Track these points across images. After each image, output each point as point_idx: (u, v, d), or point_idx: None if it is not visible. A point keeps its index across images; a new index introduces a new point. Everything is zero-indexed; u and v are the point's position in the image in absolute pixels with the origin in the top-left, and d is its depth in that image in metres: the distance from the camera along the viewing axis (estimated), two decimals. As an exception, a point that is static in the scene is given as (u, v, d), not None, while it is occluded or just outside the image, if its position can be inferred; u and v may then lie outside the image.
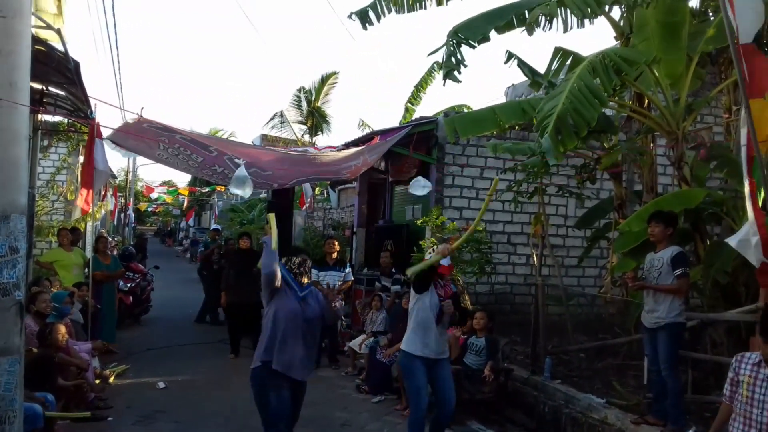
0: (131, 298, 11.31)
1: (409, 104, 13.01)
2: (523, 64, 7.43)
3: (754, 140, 4.28)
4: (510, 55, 7.27)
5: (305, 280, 4.52)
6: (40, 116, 9.55)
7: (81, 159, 12.62)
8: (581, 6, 5.93)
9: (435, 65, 10.98)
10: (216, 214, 32.38)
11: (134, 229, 38.29)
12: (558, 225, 10.56)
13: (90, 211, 8.10)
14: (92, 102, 7.63)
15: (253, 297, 8.73)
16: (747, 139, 4.33)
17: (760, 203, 4.69)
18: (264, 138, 26.85)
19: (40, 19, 6.25)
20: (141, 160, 28.61)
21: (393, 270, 9.19)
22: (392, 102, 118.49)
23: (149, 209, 48.96)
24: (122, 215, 31.66)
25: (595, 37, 44.38)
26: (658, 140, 8.14)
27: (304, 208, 15.63)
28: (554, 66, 7.06)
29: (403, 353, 5.15)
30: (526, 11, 6.54)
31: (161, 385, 7.29)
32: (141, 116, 7.46)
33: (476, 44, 6.41)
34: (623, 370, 6.94)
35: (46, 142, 13.34)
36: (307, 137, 24.85)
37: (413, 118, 12.07)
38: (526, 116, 7.04)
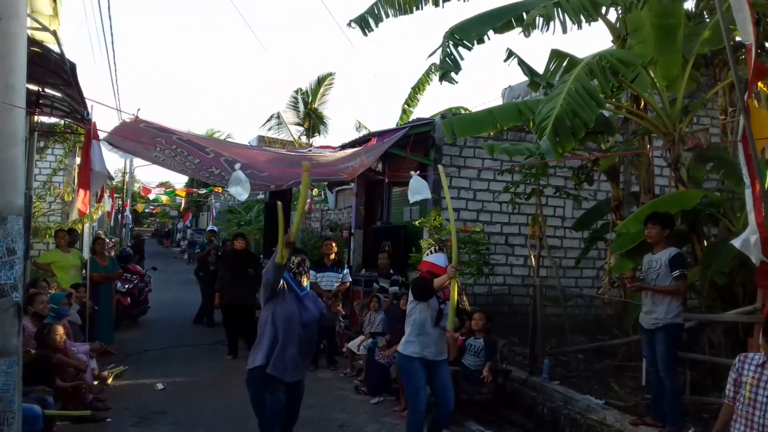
0: (129, 299, 11.31)
1: (406, 106, 13.00)
2: (522, 63, 7.43)
3: (750, 140, 4.29)
4: (510, 53, 7.27)
5: (305, 280, 4.53)
6: (36, 118, 9.55)
7: (78, 160, 12.57)
8: (578, 9, 5.94)
9: (432, 67, 10.95)
10: (213, 215, 32.36)
11: (132, 231, 38.31)
12: (555, 226, 10.58)
13: (87, 212, 8.09)
14: (89, 103, 7.63)
15: (249, 298, 8.74)
16: (743, 137, 4.34)
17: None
18: (261, 139, 26.85)
19: (36, 21, 6.25)
20: (138, 161, 28.48)
21: (391, 271, 9.16)
22: (389, 103, 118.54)
23: (146, 210, 48.85)
24: (119, 216, 31.66)
25: (592, 39, 44.59)
26: (654, 141, 8.16)
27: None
28: (551, 68, 7.06)
29: (402, 355, 5.15)
30: (524, 13, 6.54)
31: (159, 386, 7.30)
32: (137, 117, 7.45)
33: (472, 45, 6.42)
34: (621, 371, 6.95)
35: (42, 144, 13.27)
36: (304, 139, 24.85)
37: (410, 119, 12.07)
38: (523, 118, 7.04)
